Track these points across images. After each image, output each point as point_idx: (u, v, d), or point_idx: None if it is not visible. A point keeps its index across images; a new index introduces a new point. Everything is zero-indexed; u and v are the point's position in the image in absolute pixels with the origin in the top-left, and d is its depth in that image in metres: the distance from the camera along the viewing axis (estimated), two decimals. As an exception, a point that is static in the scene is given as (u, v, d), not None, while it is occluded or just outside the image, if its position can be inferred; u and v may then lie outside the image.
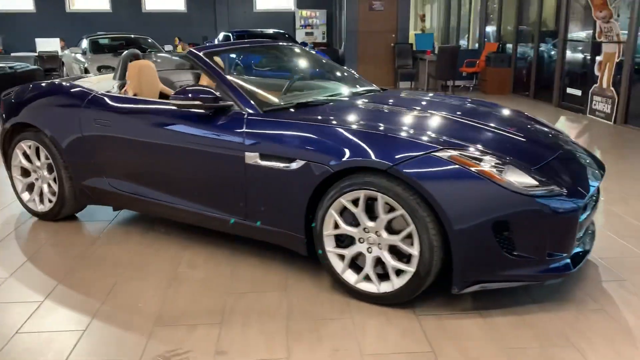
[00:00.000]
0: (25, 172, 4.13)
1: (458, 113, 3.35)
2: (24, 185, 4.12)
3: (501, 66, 11.81)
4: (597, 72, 8.69)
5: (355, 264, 2.86)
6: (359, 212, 2.74)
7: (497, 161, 2.63)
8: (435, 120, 3.16)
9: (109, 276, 3.16)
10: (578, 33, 9.74)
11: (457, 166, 2.56)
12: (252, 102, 3.17)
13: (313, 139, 2.85)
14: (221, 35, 14.16)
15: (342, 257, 2.86)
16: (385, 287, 2.75)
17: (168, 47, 14.92)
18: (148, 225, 3.94)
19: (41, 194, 4.02)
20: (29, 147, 3.99)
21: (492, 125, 3.20)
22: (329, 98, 3.58)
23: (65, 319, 2.71)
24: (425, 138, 2.74)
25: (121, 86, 3.94)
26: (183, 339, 2.52)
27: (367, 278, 2.80)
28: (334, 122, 2.96)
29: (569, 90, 9.69)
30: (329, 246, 2.87)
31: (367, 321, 2.65)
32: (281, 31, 14.51)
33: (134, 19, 18.25)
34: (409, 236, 2.62)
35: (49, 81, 4.13)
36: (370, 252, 2.77)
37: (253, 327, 2.61)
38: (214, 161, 3.16)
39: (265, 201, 3.05)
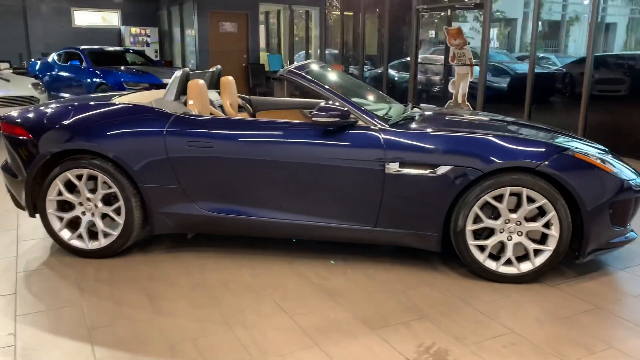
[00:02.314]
0: (61, 207, 3.59)
1: (499, 120, 4.06)
2: (64, 222, 3.57)
3: (352, 85, 13.07)
4: (451, 90, 10.36)
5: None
6: (503, 207, 3.23)
7: (600, 155, 3.39)
8: (512, 126, 3.80)
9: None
10: (427, 56, 11.44)
11: (581, 161, 3.24)
12: (376, 117, 3.41)
13: (458, 147, 3.25)
14: (54, 55, 12.63)
15: (481, 247, 3.31)
16: (525, 267, 3.29)
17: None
18: (224, 247, 3.78)
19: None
20: (78, 177, 3.50)
21: (541, 126, 3.97)
22: (414, 112, 3.96)
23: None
24: (547, 141, 3.37)
25: (182, 105, 3.73)
26: (415, 334, 2.70)
27: (507, 262, 3.30)
28: (465, 130, 3.42)
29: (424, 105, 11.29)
30: (470, 240, 3.29)
31: (521, 298, 3.16)
32: (132, 48, 13.65)
33: None
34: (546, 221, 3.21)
35: (105, 102, 3.74)
36: (510, 240, 3.27)
37: (448, 315, 2.90)
38: (348, 173, 3.31)
39: (402, 207, 3.32)
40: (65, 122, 3.53)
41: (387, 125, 3.39)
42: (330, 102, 3.39)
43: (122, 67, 10.65)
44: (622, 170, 3.40)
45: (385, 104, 4.06)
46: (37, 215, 3.65)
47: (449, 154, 3.24)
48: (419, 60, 11.37)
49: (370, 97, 4.17)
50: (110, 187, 3.48)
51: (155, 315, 2.86)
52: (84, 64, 10.78)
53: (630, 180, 3.37)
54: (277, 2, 14.48)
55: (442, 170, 3.23)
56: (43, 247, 3.79)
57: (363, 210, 3.37)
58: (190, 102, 3.77)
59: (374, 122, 3.38)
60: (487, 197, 3.22)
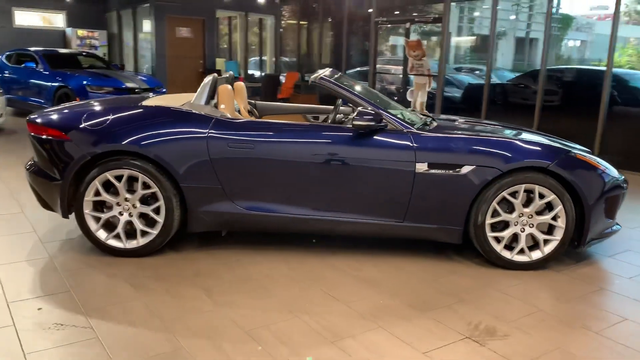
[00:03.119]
0: (96, 208, 3.65)
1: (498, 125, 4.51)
2: (101, 222, 3.63)
3: (310, 92, 13.40)
4: (409, 98, 10.91)
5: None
6: (518, 202, 3.64)
7: (591, 156, 3.88)
8: (517, 131, 4.24)
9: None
10: (384, 66, 11.95)
11: (582, 161, 3.71)
12: (404, 121, 3.74)
13: (480, 148, 3.63)
14: (2, 57, 12.11)
15: (497, 239, 3.70)
16: (535, 255, 3.71)
17: None
18: (258, 244, 3.96)
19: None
20: (117, 178, 3.58)
21: (530, 130, 4.45)
22: (426, 118, 4.31)
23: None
24: (553, 143, 3.82)
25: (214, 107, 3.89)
26: (460, 315, 3.02)
27: (520, 251, 3.71)
28: (483, 133, 3.81)
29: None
30: (489, 232, 3.68)
31: (536, 282, 3.57)
32: (85, 51, 13.25)
33: None
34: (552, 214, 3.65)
35: (142, 104, 3.87)
36: (523, 232, 3.69)
37: (482, 298, 3.26)
38: (381, 173, 3.61)
39: (429, 203, 3.66)
40: (106, 124, 3.60)
41: (414, 129, 3.72)
42: (363, 108, 3.67)
43: (84, 70, 10.42)
44: (611, 169, 3.91)
45: (399, 110, 4.39)
46: (55, 216, 3.69)
47: (472, 155, 3.61)
48: (377, 70, 11.87)
49: (388, 103, 4.51)
50: (149, 188, 3.59)
51: (218, 307, 3.03)
52: (39, 67, 10.45)
53: (618, 178, 3.88)
54: (233, 9, 14.58)
55: (465, 169, 3.59)
56: (72, 248, 3.82)
57: (393, 207, 3.67)
58: (222, 106, 3.94)
59: (403, 126, 3.70)
60: (505, 194, 3.62)
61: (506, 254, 3.71)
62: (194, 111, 3.71)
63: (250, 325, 2.84)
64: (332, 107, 4.85)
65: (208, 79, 3.98)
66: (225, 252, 3.84)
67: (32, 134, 3.80)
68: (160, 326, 2.79)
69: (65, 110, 3.83)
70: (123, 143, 3.56)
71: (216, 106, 3.99)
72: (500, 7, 16.16)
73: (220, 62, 14.20)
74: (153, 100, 4.05)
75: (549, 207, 3.67)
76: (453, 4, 10.27)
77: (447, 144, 3.67)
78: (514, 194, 3.64)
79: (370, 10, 11.87)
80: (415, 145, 3.62)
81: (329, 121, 4.49)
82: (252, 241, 4.04)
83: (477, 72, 12.72)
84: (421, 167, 3.60)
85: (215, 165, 3.60)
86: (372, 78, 11.85)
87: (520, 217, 3.67)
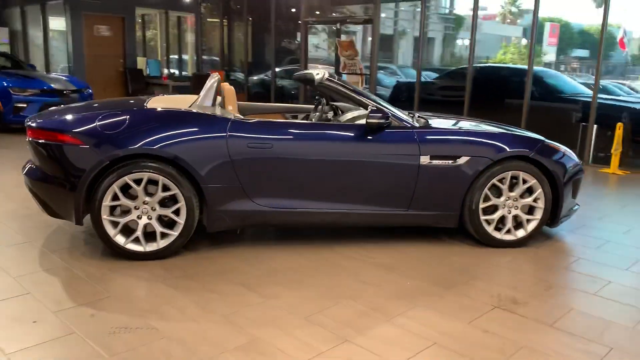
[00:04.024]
0: (112, 212, 3.61)
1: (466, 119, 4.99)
2: (119, 227, 3.60)
3: (239, 92, 13.41)
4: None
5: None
6: (505, 187, 4.10)
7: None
8: (492, 124, 4.71)
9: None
10: (315, 65, 12.27)
11: (554, 148, 4.25)
12: (406, 118, 4.07)
13: (473, 141, 4.04)
14: None
15: (488, 222, 4.14)
16: (520, 234, 4.19)
17: None
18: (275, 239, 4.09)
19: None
20: (136, 181, 3.56)
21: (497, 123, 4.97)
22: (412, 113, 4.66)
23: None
24: (530, 134, 4.33)
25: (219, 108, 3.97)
26: (479, 289, 3.40)
27: (508, 232, 4.18)
28: (474, 127, 4.23)
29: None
30: (482, 215, 4.11)
31: (524, 257, 4.05)
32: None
33: None
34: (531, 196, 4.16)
35: (155, 108, 3.86)
36: (509, 213, 4.16)
37: (490, 273, 3.67)
38: (389, 166, 3.91)
39: (431, 191, 4.02)
40: (123, 128, 3.58)
41: (417, 125, 4.06)
42: (371, 107, 3.94)
43: (4, 72, 9.70)
44: (572, 154, 4.50)
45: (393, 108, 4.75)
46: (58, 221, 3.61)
47: (468, 147, 4.01)
48: (308, 69, 12.16)
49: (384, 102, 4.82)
50: (168, 190, 3.61)
51: (265, 299, 3.17)
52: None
53: (579, 162, 4.49)
54: (153, 7, 14.17)
55: (462, 160, 3.99)
56: (84, 254, 3.74)
57: (399, 197, 3.99)
58: (229, 107, 4.03)
59: (406, 122, 4.03)
60: (494, 180, 4.07)
61: (496, 234, 4.16)
62: (210, 113, 3.78)
63: (305, 313, 3.02)
64: (312, 106, 5.08)
65: (213, 80, 4.05)
66: (240, 250, 3.95)
67: (36, 139, 3.67)
68: (222, 320, 2.89)
69: (71, 114, 3.73)
70: (147, 146, 3.55)
71: (222, 107, 4.07)
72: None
73: (141, 61, 13.76)
74: (155, 103, 4.05)
75: (529, 190, 4.17)
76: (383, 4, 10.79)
77: (446, 138, 4.06)
78: (501, 180, 4.10)
79: (293, 10, 12.14)
80: (419, 139, 3.96)
81: (313, 120, 4.71)
82: (260, 238, 4.18)
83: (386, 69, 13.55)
84: (424, 159, 3.95)
85: (235, 165, 3.70)
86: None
87: (507, 200, 4.14)
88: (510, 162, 4.06)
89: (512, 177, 4.11)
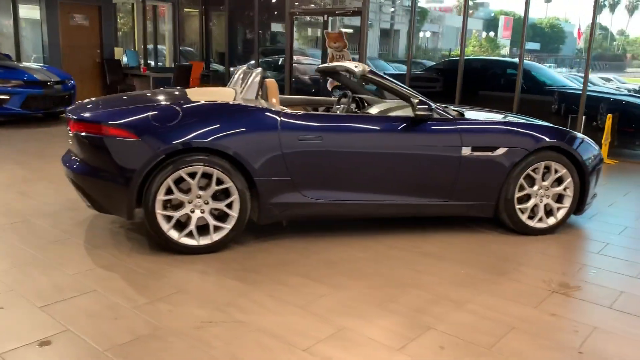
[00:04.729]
0: (164, 206, 3.57)
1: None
2: (173, 221, 3.56)
3: (219, 83, 13.25)
4: (329, 88, 11.36)
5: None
6: (538, 177, 4.26)
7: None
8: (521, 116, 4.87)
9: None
10: (299, 57, 12.24)
11: (580, 138, 4.44)
12: (446, 111, 4.16)
13: (511, 131, 4.18)
14: None
15: (522, 211, 4.29)
16: (551, 222, 4.37)
17: None
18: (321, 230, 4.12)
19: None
20: (190, 175, 3.53)
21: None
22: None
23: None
24: (557, 126, 4.50)
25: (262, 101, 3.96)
26: (528, 274, 3.54)
27: (539, 220, 4.34)
28: (508, 119, 4.39)
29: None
30: (517, 205, 4.26)
31: (557, 244, 4.23)
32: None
33: None
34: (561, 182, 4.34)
35: (210, 101, 3.82)
36: (541, 202, 4.33)
37: (531, 260, 3.82)
38: (435, 157, 4.01)
39: (471, 182, 4.13)
40: (178, 121, 3.53)
41: (458, 117, 4.17)
42: (414, 98, 4.01)
43: (-16, 62, 9.29)
44: (594, 144, 4.70)
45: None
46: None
47: (506, 138, 4.15)
48: (294, 60, 12.12)
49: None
50: (222, 183, 3.60)
51: (334, 290, 3.22)
52: None
53: (599, 152, 4.70)
54: (130, -4, 13.79)
55: (500, 151, 4.12)
56: (133, 249, 3.68)
57: (442, 187, 4.09)
58: (273, 100, 4.03)
59: (447, 114, 4.13)
60: (529, 170, 4.22)
61: (529, 223, 4.33)
62: (261, 106, 3.77)
63: (376, 302, 3.08)
64: (335, 99, 5.11)
65: (257, 73, 4.03)
66: (290, 242, 3.95)
67: (82, 132, 3.58)
68: (302, 311, 2.92)
69: (116, 107, 3.65)
70: (202, 140, 3.52)
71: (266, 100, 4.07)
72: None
73: (118, 52, 13.39)
74: (197, 96, 4.00)
75: (559, 180, 4.35)
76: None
77: (485, 129, 4.18)
78: (534, 170, 4.26)
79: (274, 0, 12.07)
80: (460, 131, 4.06)
81: (338, 112, 4.76)
82: (305, 231, 4.20)
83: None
84: (466, 150, 4.06)
85: (286, 158, 3.71)
86: (289, 68, 12.07)
87: (539, 190, 4.30)
88: (544, 152, 4.22)
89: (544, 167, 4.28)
